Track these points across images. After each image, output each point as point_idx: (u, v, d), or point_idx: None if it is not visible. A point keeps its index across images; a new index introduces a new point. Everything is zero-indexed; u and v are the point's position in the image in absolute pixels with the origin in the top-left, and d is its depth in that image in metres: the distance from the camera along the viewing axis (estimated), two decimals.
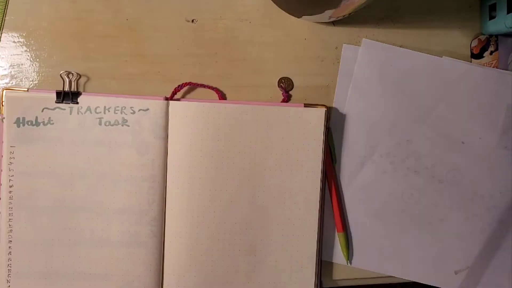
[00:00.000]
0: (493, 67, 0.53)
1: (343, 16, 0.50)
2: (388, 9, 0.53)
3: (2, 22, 0.51)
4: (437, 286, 0.53)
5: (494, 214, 0.53)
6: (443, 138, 0.52)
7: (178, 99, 0.51)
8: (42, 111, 0.49)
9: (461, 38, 0.54)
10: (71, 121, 0.49)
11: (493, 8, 0.52)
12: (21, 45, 0.51)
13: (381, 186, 0.52)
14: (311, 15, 0.50)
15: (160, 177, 0.49)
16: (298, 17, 0.52)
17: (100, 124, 0.49)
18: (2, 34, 0.51)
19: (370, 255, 0.52)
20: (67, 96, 0.49)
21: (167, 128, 0.50)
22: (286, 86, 0.52)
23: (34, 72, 0.51)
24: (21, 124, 0.49)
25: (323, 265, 0.52)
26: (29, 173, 0.49)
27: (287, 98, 0.52)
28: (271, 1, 0.52)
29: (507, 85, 0.52)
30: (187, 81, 0.51)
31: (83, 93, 0.50)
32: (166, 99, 0.50)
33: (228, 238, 0.50)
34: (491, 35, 0.53)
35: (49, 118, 0.49)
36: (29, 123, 0.49)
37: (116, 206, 0.49)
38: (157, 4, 0.52)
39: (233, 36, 0.52)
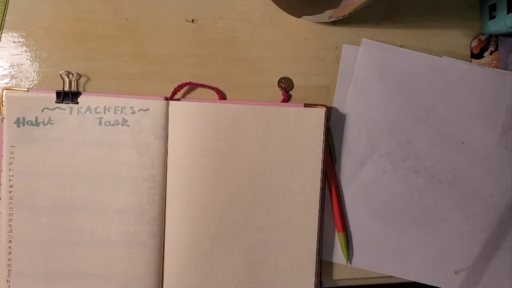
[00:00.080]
0: (493, 67, 0.53)
1: (343, 16, 0.50)
2: (388, 9, 0.53)
3: (2, 22, 0.51)
4: (437, 286, 0.53)
5: (494, 214, 0.53)
6: (443, 138, 0.52)
7: (178, 99, 0.51)
8: (42, 111, 0.49)
9: (461, 38, 0.54)
10: (71, 121, 0.49)
11: (493, 8, 0.52)
12: (21, 45, 0.51)
13: (381, 186, 0.52)
14: (311, 15, 0.50)
15: (160, 177, 0.49)
16: (298, 17, 0.52)
17: (100, 124, 0.49)
18: (2, 34, 0.51)
19: (370, 255, 0.52)
20: (67, 96, 0.49)
21: (167, 128, 0.50)
22: (286, 86, 0.52)
23: (34, 72, 0.51)
24: (21, 124, 0.49)
25: (323, 265, 0.52)
26: (29, 173, 0.49)
27: (287, 98, 0.52)
28: (271, 1, 0.52)
29: (507, 85, 0.52)
30: (187, 81, 0.51)
31: (83, 93, 0.50)
32: (166, 99, 0.50)
33: (228, 238, 0.50)
34: (491, 35, 0.53)
35: (49, 118, 0.49)
36: (29, 123, 0.49)
37: (116, 206, 0.49)
38: (157, 4, 0.52)
39: (233, 36, 0.52)
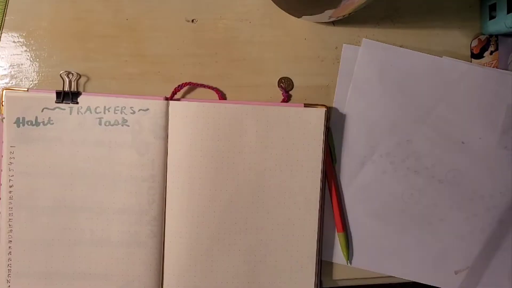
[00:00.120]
0: (493, 67, 0.53)
1: (343, 16, 0.50)
2: (388, 9, 0.53)
3: (2, 22, 0.51)
4: (437, 286, 0.53)
5: (494, 214, 0.53)
6: (443, 138, 0.52)
7: (178, 99, 0.51)
8: (42, 111, 0.49)
9: (461, 38, 0.54)
10: (71, 121, 0.49)
11: (493, 8, 0.52)
12: (21, 45, 0.51)
13: (381, 186, 0.52)
14: (311, 15, 0.50)
15: (160, 177, 0.49)
16: (298, 17, 0.52)
17: (100, 124, 0.49)
18: (2, 34, 0.51)
19: (370, 255, 0.52)
20: (67, 96, 0.49)
21: (167, 128, 0.50)
22: (286, 86, 0.52)
23: (34, 72, 0.51)
24: (21, 124, 0.49)
25: (323, 265, 0.52)
26: (29, 173, 0.49)
27: (287, 98, 0.52)
28: (271, 1, 0.52)
29: (507, 85, 0.52)
30: (187, 81, 0.51)
31: (83, 93, 0.50)
32: (166, 99, 0.50)
33: (228, 238, 0.50)
34: (491, 35, 0.53)
35: (49, 118, 0.49)
36: (29, 123, 0.49)
37: (116, 206, 0.49)
38: (157, 4, 0.52)
39: (233, 36, 0.52)
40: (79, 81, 0.51)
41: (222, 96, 0.52)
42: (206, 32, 0.52)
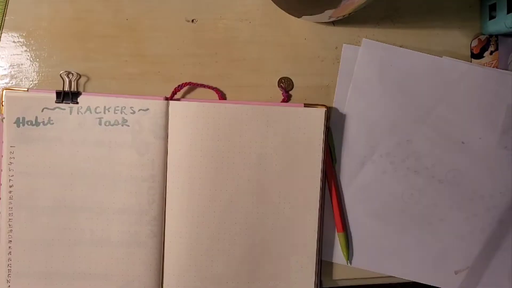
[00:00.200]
0: (493, 67, 0.53)
1: (343, 16, 0.50)
2: (388, 9, 0.53)
3: (2, 22, 0.51)
4: (437, 286, 0.53)
5: (494, 214, 0.53)
6: (443, 138, 0.52)
7: (178, 99, 0.51)
8: (42, 111, 0.49)
9: (461, 38, 0.54)
10: (71, 121, 0.49)
11: (493, 8, 0.52)
12: (21, 45, 0.51)
13: (381, 186, 0.52)
14: (311, 15, 0.50)
15: (160, 177, 0.49)
16: (298, 17, 0.52)
17: (100, 124, 0.49)
18: (2, 34, 0.51)
19: (370, 255, 0.52)
20: (67, 96, 0.49)
21: (167, 128, 0.50)
22: (286, 86, 0.52)
23: (34, 72, 0.51)
24: (21, 124, 0.49)
25: (323, 265, 0.52)
26: (29, 173, 0.49)
27: (287, 98, 0.52)
28: (271, 1, 0.52)
29: (507, 85, 0.52)
30: (187, 81, 0.51)
31: (83, 93, 0.50)
32: (166, 99, 0.50)
33: (228, 238, 0.50)
34: (491, 35, 0.53)
35: (49, 118, 0.49)
36: (29, 123, 0.49)
37: (116, 206, 0.49)
38: (157, 4, 0.52)
39: (233, 36, 0.52)
40: (79, 81, 0.51)
41: (222, 96, 0.52)
42: (206, 32, 0.52)
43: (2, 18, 0.51)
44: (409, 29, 0.53)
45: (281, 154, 0.50)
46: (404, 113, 0.52)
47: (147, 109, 0.49)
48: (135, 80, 0.51)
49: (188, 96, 0.52)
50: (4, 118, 0.49)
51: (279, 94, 0.52)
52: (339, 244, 0.52)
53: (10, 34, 0.51)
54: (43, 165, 0.49)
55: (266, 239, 0.50)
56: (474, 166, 0.52)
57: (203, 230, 0.49)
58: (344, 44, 0.53)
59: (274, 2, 0.51)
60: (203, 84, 0.52)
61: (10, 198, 0.49)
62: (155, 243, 0.49)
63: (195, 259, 0.50)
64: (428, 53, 0.52)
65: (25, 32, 0.51)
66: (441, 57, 0.53)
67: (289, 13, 0.52)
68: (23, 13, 0.51)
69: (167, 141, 0.50)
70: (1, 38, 0.51)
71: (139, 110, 0.49)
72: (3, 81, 0.51)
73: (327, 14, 0.48)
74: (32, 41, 0.51)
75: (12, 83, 0.51)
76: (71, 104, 0.49)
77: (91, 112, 0.49)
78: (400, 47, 0.53)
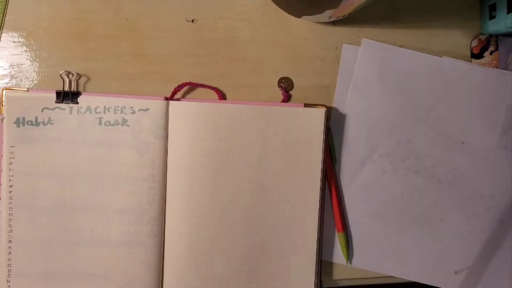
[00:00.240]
0: (493, 67, 0.53)
1: (343, 16, 0.50)
2: (388, 9, 0.53)
3: (2, 22, 0.51)
4: (437, 286, 0.53)
5: (494, 214, 0.53)
6: (443, 138, 0.52)
7: (178, 99, 0.51)
8: (42, 111, 0.49)
9: (461, 38, 0.54)
10: (71, 121, 0.49)
11: (493, 8, 0.52)
12: (21, 45, 0.51)
13: (381, 186, 0.52)
14: (311, 15, 0.50)
15: (160, 177, 0.49)
16: (298, 17, 0.52)
17: (100, 124, 0.49)
18: (2, 34, 0.51)
19: (370, 255, 0.52)
20: (67, 96, 0.49)
21: (167, 128, 0.50)
22: (286, 86, 0.52)
23: (34, 72, 0.51)
24: (21, 124, 0.49)
25: (323, 265, 0.52)
26: (29, 173, 0.49)
27: (287, 98, 0.52)
28: (271, 1, 0.52)
29: (507, 85, 0.52)
30: (187, 81, 0.51)
31: (83, 93, 0.50)
32: (166, 99, 0.50)
33: (228, 238, 0.50)
34: (491, 35, 0.53)
35: (49, 118, 0.49)
36: (29, 123, 0.49)
37: (116, 206, 0.49)
38: (157, 4, 0.52)
39: (233, 36, 0.52)
40: (79, 81, 0.51)
41: (222, 96, 0.52)
42: (206, 32, 0.52)
43: (2, 18, 0.51)
44: (409, 29, 0.53)
45: (281, 154, 0.50)
46: (404, 113, 0.52)
47: (147, 109, 0.49)
48: (135, 80, 0.51)
49: (188, 96, 0.52)
50: (4, 118, 0.49)
51: (279, 94, 0.52)
52: (339, 244, 0.52)
53: (10, 34, 0.51)
54: (43, 165, 0.49)
55: (266, 239, 0.50)
56: (474, 166, 0.52)
57: (203, 230, 0.49)
58: (344, 44, 0.53)
59: (274, 2, 0.51)
60: (203, 84, 0.52)
61: (10, 198, 0.49)
62: (155, 243, 0.49)
63: (195, 259, 0.50)
64: (428, 53, 0.52)
65: (25, 32, 0.51)
66: (441, 57, 0.53)
67: (289, 13, 0.52)
68: (23, 13, 0.51)
69: (167, 141, 0.50)
70: (1, 38, 0.51)
71: (139, 110, 0.49)
72: (3, 81, 0.51)
73: (327, 14, 0.48)
74: (32, 41, 0.51)
75: (12, 83, 0.51)
76: (71, 104, 0.49)
77: (91, 112, 0.49)
78: (400, 47, 0.53)
